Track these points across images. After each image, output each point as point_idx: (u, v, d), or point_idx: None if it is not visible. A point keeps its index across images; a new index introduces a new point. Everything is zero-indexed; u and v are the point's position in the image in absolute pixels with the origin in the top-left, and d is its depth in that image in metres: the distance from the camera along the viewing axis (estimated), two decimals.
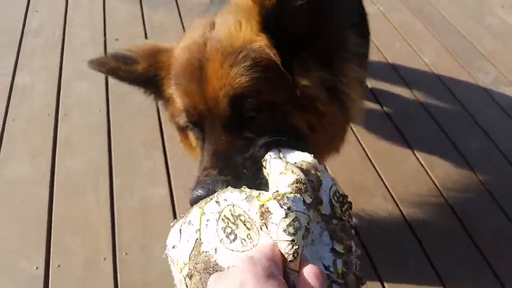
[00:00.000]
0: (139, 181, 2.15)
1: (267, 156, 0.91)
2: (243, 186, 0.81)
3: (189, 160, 2.24)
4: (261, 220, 0.73)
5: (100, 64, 1.16)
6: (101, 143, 2.34)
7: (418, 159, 2.28)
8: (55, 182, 2.16)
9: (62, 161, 2.26)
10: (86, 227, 1.98)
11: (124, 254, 1.88)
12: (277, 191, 0.76)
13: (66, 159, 2.27)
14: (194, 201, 0.88)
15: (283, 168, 0.81)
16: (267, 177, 0.89)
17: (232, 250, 0.73)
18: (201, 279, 0.74)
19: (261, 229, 0.73)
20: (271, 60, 0.97)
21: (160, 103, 1.24)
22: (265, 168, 0.91)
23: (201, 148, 1.06)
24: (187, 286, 0.77)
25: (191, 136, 1.16)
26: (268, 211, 0.72)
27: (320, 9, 0.97)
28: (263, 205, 0.74)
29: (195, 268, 0.76)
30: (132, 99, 2.59)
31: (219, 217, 0.77)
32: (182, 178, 2.15)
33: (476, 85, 2.82)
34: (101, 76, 2.75)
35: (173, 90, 1.07)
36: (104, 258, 1.86)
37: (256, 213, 0.74)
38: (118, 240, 1.92)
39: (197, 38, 1.04)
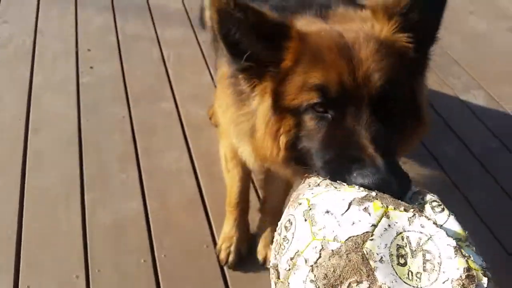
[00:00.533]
0: (112, 195, 2.10)
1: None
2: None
3: (163, 172, 2.25)
4: (461, 281, 0.70)
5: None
6: (73, 156, 2.27)
7: None
8: (24, 198, 2.09)
9: (32, 176, 2.19)
10: (57, 244, 1.91)
11: (97, 271, 1.82)
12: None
13: (36, 174, 2.20)
14: (379, 187, 0.87)
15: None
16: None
17: (394, 273, 0.71)
18: None
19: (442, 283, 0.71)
20: (410, 60, 1.09)
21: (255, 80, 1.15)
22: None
23: (328, 127, 1.03)
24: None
25: (292, 121, 1.08)
26: (474, 281, 0.70)
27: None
28: (470, 268, 0.71)
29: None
30: (105, 111, 2.54)
31: (401, 234, 0.75)
32: (156, 191, 2.12)
33: (448, 91, 2.87)
34: (73, 88, 2.69)
35: (306, 66, 1.05)
36: (77, 276, 1.80)
37: (458, 269, 0.71)
38: (91, 257, 1.86)
39: (326, 27, 1.12)
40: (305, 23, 1.17)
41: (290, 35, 1.08)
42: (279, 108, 1.09)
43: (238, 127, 1.29)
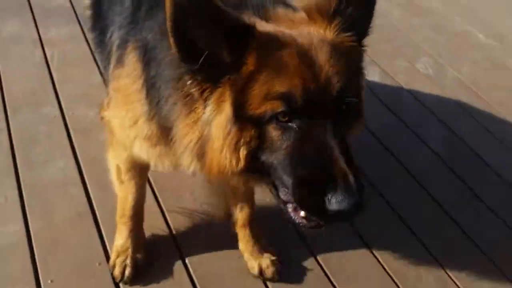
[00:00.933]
0: None
1: None
2: None
3: (47, 185, 2.01)
4: None
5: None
6: None
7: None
8: None
9: None
10: None
11: None
12: None
13: None
14: (336, 214, 0.93)
15: None
16: None
17: None
18: None
19: None
20: (356, 58, 1.11)
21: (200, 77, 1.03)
22: None
23: (295, 140, 1.00)
24: None
25: (253, 133, 1.02)
26: None
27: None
28: None
29: None
30: None
31: None
32: (39, 208, 1.89)
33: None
34: None
35: (270, 74, 0.98)
36: None
37: None
38: None
39: (286, 31, 1.05)
40: (261, 25, 1.07)
41: (253, 36, 1.00)
42: (240, 118, 1.01)
43: (182, 138, 1.13)
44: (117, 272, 1.66)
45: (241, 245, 1.78)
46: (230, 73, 1.01)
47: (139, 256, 1.71)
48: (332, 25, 1.07)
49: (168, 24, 0.96)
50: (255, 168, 1.08)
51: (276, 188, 1.10)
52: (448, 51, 3.30)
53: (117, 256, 1.69)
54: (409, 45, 3.31)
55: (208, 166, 1.11)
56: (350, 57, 1.07)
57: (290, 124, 0.99)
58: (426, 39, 3.40)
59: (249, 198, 1.72)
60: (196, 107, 1.07)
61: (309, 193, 0.98)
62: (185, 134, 1.12)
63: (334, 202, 0.94)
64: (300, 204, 1.03)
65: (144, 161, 1.47)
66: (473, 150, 2.46)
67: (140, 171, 1.59)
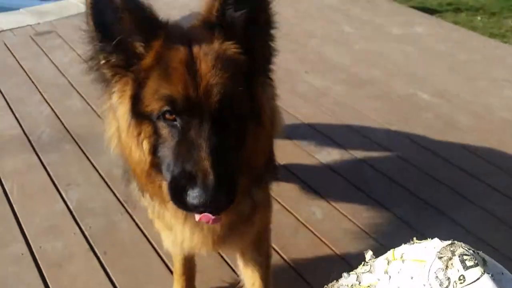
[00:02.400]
0: None
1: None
2: None
3: None
4: None
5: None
6: None
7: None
8: None
9: None
10: None
11: None
12: None
13: None
14: (195, 208, 1.03)
15: None
16: None
17: None
18: None
19: None
20: (242, 64, 1.14)
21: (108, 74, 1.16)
22: None
23: (176, 139, 1.10)
24: None
25: (149, 129, 1.13)
26: None
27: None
28: None
29: None
30: None
31: None
32: None
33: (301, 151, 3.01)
34: None
35: (160, 74, 1.09)
36: None
37: None
38: None
39: (181, 42, 1.13)
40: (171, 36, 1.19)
41: (159, 34, 1.12)
42: (138, 112, 1.13)
43: (110, 130, 1.27)
44: None
45: None
46: (135, 65, 1.13)
47: None
48: (215, 35, 1.15)
49: (88, 2, 1.09)
50: (158, 167, 1.17)
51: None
52: (398, 117, 3.51)
53: None
54: (358, 117, 3.49)
55: (128, 162, 1.24)
56: (235, 64, 1.14)
57: (175, 122, 1.11)
58: (373, 109, 3.61)
59: (260, 275, 1.71)
60: (108, 90, 1.20)
61: (177, 187, 1.08)
62: (108, 120, 1.26)
63: (190, 197, 1.04)
64: (171, 197, 1.12)
65: None
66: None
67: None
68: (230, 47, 1.15)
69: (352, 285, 0.92)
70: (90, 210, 2.50)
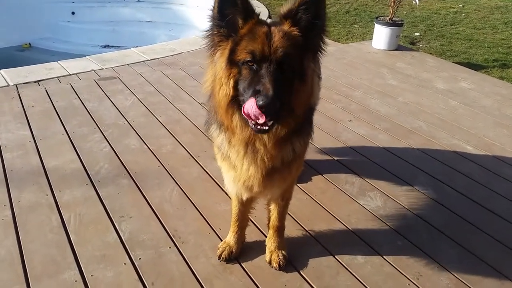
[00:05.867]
0: None
1: None
2: None
3: None
4: None
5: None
6: None
7: None
8: None
9: None
10: None
11: None
12: None
13: None
14: (260, 108, 1.61)
15: None
16: None
17: None
18: None
19: None
20: (299, 41, 1.75)
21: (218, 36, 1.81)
22: None
23: (252, 75, 1.71)
24: None
25: (236, 71, 1.75)
26: None
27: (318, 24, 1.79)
28: None
29: None
30: None
31: None
32: None
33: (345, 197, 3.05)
34: None
35: (249, 38, 1.73)
36: None
37: None
38: None
39: (265, 24, 1.80)
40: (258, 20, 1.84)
41: (253, 16, 1.77)
42: (230, 61, 1.74)
43: (207, 77, 1.89)
44: (218, 252, 2.52)
45: (266, 240, 2.57)
46: (236, 32, 1.76)
47: (234, 249, 2.53)
48: (287, 22, 1.77)
49: (216, 2, 1.76)
50: (237, 97, 1.76)
51: (241, 105, 1.74)
52: (441, 167, 3.51)
53: (222, 245, 2.55)
54: (403, 167, 3.52)
55: (215, 98, 1.85)
56: (295, 40, 1.74)
57: (253, 66, 1.71)
58: (416, 157, 3.64)
59: (279, 210, 2.43)
60: (213, 51, 1.83)
61: (250, 97, 1.67)
62: (208, 71, 1.89)
63: (259, 100, 1.61)
64: (243, 109, 1.70)
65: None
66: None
67: (238, 198, 2.38)
68: (294, 30, 1.75)
69: None
70: (141, 242, 2.63)
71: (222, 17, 1.76)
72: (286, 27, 1.76)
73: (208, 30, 1.84)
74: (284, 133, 1.84)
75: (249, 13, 1.77)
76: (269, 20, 2.02)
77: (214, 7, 1.77)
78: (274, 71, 1.67)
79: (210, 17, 1.81)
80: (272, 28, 1.76)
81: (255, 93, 1.64)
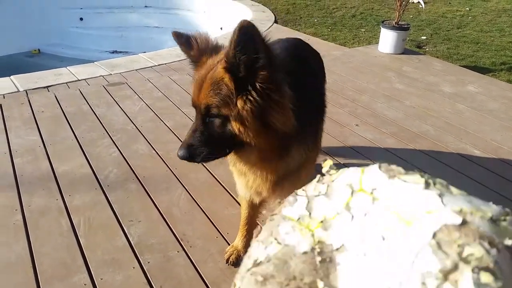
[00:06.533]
0: None
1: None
2: None
3: None
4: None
5: (183, 38, 1.90)
6: None
7: None
8: None
9: None
10: None
11: None
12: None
13: None
14: (182, 157, 1.76)
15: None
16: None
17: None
18: None
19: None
20: (229, 89, 1.66)
21: None
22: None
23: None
24: None
25: None
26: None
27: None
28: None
29: None
30: None
31: None
32: None
33: None
34: None
35: (194, 80, 1.82)
36: None
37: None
38: None
39: (205, 66, 1.80)
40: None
41: (202, 57, 1.85)
42: None
43: None
44: (226, 256, 2.56)
45: None
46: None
47: (242, 253, 2.53)
48: (222, 66, 1.69)
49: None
50: None
51: None
52: (449, 170, 3.51)
53: (230, 248, 2.59)
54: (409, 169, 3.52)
55: None
56: (222, 87, 1.67)
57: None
58: (423, 160, 3.64)
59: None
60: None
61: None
62: None
63: (178, 152, 1.75)
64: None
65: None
66: None
67: (247, 202, 2.42)
68: (225, 77, 1.66)
69: (299, 217, 0.65)
70: (149, 246, 2.66)
71: (186, 48, 1.91)
72: (219, 72, 1.68)
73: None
74: (267, 156, 1.86)
75: (201, 52, 1.85)
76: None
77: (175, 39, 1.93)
78: (200, 120, 1.75)
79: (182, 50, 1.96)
80: (208, 74, 1.73)
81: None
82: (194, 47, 1.87)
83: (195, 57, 1.87)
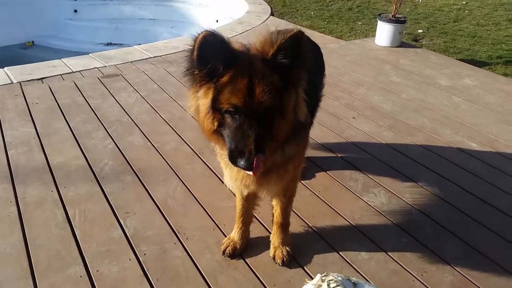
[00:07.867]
0: None
1: None
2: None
3: None
4: None
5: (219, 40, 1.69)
6: None
7: None
8: None
9: None
10: None
11: None
12: None
13: None
14: (243, 169, 1.75)
15: None
16: None
17: None
18: None
19: None
20: (278, 88, 1.72)
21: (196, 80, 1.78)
22: None
23: (235, 127, 1.73)
24: None
25: (219, 116, 1.76)
26: None
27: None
28: None
29: None
30: None
31: None
32: None
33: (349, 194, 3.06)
34: None
35: (231, 90, 1.69)
36: None
37: None
38: None
39: (246, 73, 1.71)
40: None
41: (234, 63, 1.71)
42: (214, 106, 1.74)
43: (190, 104, 1.86)
44: (222, 248, 2.54)
45: (271, 236, 2.59)
46: (217, 78, 1.72)
47: (238, 245, 2.55)
48: (268, 70, 1.72)
49: (196, 47, 1.68)
50: (219, 133, 1.80)
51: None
52: (445, 163, 3.51)
53: (227, 240, 2.58)
54: (407, 163, 3.52)
55: (200, 124, 1.86)
56: (274, 87, 1.71)
57: (235, 116, 1.72)
58: (420, 154, 3.64)
59: (282, 207, 2.45)
60: (196, 89, 1.80)
61: (233, 156, 1.74)
62: (190, 100, 1.86)
63: (240, 164, 1.71)
64: (230, 160, 1.77)
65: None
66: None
67: (241, 194, 2.42)
68: (275, 78, 1.72)
69: None
70: (145, 238, 2.65)
71: (202, 63, 1.70)
72: (265, 74, 1.71)
73: (187, 70, 1.79)
74: (272, 149, 1.92)
75: (230, 61, 1.71)
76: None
77: (194, 51, 1.70)
78: (257, 126, 1.71)
79: (189, 59, 1.75)
80: (254, 79, 1.69)
81: (238, 150, 1.72)
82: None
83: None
